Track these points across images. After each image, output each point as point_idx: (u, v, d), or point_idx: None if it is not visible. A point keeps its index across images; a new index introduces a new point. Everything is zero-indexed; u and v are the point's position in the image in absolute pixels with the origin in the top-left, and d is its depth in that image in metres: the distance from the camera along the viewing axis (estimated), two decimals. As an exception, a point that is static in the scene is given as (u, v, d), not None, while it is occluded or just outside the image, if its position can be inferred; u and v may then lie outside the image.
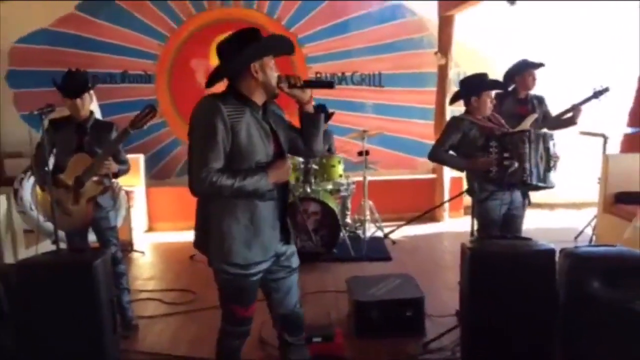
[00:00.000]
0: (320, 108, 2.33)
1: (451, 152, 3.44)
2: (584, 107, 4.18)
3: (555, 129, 4.23)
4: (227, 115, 2.07)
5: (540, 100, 4.27)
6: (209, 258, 2.26)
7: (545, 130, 3.45)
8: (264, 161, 2.17)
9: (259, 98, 2.19)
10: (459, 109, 3.56)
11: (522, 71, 4.17)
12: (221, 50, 2.19)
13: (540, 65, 4.19)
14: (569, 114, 4.22)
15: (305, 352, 2.48)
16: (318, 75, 6.56)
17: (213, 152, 2.06)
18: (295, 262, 2.39)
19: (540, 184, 3.29)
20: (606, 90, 4.16)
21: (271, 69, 2.17)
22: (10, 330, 2.58)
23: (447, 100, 6.11)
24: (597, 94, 4.17)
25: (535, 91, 4.25)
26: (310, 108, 2.29)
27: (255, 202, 2.16)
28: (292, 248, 2.37)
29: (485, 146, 3.29)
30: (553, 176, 3.34)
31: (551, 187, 3.36)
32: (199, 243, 2.30)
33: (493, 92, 3.44)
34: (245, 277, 2.20)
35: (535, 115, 3.92)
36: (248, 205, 2.16)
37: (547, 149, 3.28)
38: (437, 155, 3.47)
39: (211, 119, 2.06)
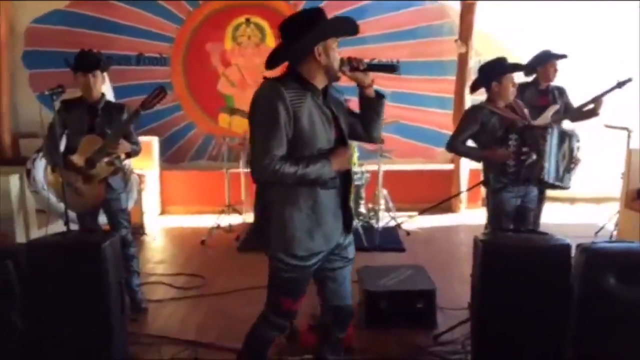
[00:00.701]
0: (381, 93, 2.27)
1: (470, 141, 3.36)
2: (605, 99, 4.11)
3: (577, 120, 4.17)
4: (289, 100, 2.01)
5: (561, 91, 4.20)
6: (267, 246, 2.19)
7: (573, 129, 3.37)
8: (325, 148, 2.11)
9: (320, 82, 2.13)
10: (479, 97, 3.47)
11: (544, 62, 4.10)
12: (284, 31, 2.12)
13: (563, 56, 4.11)
14: (591, 105, 4.14)
15: (341, 349, 2.47)
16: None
17: (276, 139, 2.01)
18: (352, 252, 2.34)
19: (557, 183, 3.23)
20: (629, 80, 4.10)
21: (334, 51, 2.11)
22: (19, 309, 2.59)
23: (467, 89, 6.03)
24: (620, 84, 4.11)
25: (556, 82, 4.17)
26: (371, 92, 2.23)
27: (317, 189, 2.11)
28: (349, 238, 2.32)
29: (505, 138, 3.20)
30: (571, 177, 3.27)
31: (566, 188, 3.30)
32: (258, 231, 2.27)
33: (515, 76, 3.32)
34: (303, 269, 2.16)
35: (556, 106, 3.83)
36: (310, 193, 2.10)
37: (571, 150, 3.20)
38: (455, 147, 3.39)
39: (274, 104, 2.01)
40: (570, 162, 3.22)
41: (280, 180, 2.04)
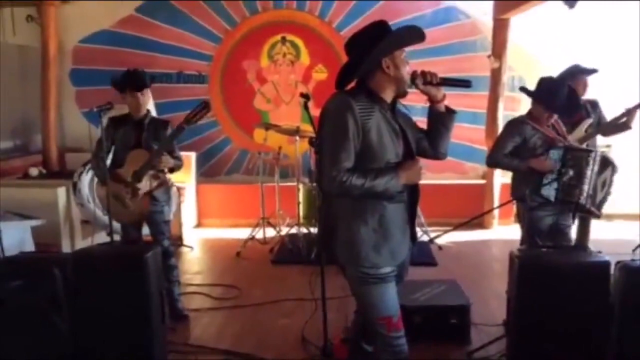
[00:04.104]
0: (452, 109, 2.24)
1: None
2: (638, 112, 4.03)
3: (609, 135, 4.09)
4: (358, 113, 2.01)
5: (594, 104, 4.12)
6: (335, 258, 2.18)
7: (613, 159, 3.32)
8: (393, 161, 2.10)
9: (389, 95, 2.12)
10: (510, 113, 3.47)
11: (574, 77, 4.03)
12: (351, 48, 2.14)
13: (593, 71, 4.05)
14: (624, 119, 4.07)
15: None
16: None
17: (345, 151, 2.01)
18: (406, 273, 2.35)
19: (592, 209, 3.19)
20: None
21: (402, 62, 2.09)
22: (65, 316, 2.70)
23: (501, 104, 6.00)
24: None
25: (590, 95, 4.11)
26: (442, 107, 2.21)
27: (384, 203, 2.08)
28: (407, 258, 2.30)
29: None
30: (602, 206, 3.27)
31: (597, 217, 3.26)
32: (322, 242, 2.28)
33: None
34: (379, 279, 2.12)
35: (590, 120, 3.80)
36: (376, 207, 2.08)
37: (611, 179, 3.18)
38: (497, 159, 3.33)
39: (343, 116, 2.01)
40: (607, 191, 3.20)
41: (347, 193, 2.03)
